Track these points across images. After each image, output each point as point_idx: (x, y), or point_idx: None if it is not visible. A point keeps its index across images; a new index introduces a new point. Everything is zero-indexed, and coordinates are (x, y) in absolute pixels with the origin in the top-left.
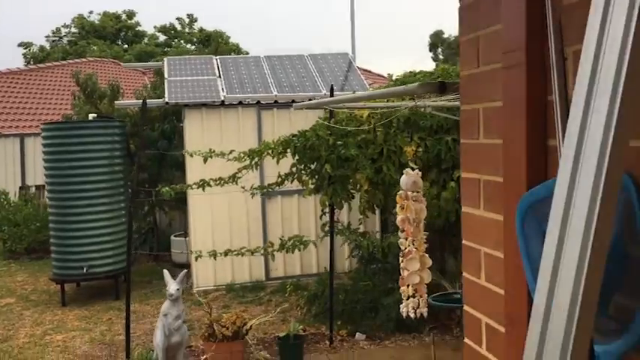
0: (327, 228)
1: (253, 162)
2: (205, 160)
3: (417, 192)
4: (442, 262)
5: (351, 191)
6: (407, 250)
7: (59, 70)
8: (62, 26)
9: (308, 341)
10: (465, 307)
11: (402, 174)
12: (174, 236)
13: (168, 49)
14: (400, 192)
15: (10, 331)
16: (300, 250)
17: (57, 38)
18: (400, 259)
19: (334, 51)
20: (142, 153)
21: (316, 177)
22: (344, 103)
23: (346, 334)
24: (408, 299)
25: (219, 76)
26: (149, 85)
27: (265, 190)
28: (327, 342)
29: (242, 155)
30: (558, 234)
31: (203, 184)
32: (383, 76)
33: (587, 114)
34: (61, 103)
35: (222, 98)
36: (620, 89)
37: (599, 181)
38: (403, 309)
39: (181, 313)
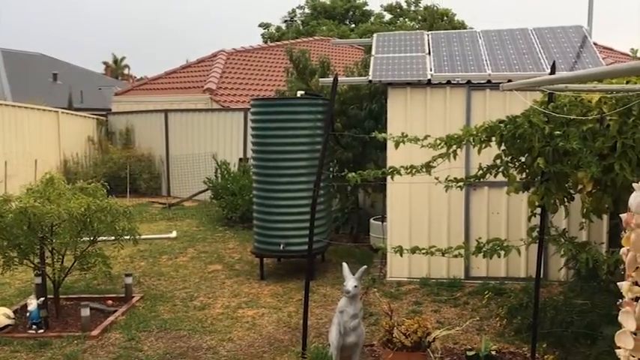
0: (535, 233)
1: (451, 150)
2: (397, 146)
3: None
4: None
5: (570, 192)
6: (625, 299)
7: (280, 50)
8: (297, 7)
9: None
10: None
11: None
12: (373, 219)
13: (393, 27)
14: (625, 214)
15: (210, 299)
16: (499, 257)
17: (290, 19)
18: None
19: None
20: (327, 133)
21: (525, 172)
22: (566, 84)
23: None
24: None
25: (429, 53)
26: (359, 63)
27: (463, 183)
28: None
29: (438, 142)
30: None
31: (392, 172)
32: (628, 55)
33: None
34: (280, 80)
35: (429, 77)
36: None
37: None
38: None
39: (359, 311)
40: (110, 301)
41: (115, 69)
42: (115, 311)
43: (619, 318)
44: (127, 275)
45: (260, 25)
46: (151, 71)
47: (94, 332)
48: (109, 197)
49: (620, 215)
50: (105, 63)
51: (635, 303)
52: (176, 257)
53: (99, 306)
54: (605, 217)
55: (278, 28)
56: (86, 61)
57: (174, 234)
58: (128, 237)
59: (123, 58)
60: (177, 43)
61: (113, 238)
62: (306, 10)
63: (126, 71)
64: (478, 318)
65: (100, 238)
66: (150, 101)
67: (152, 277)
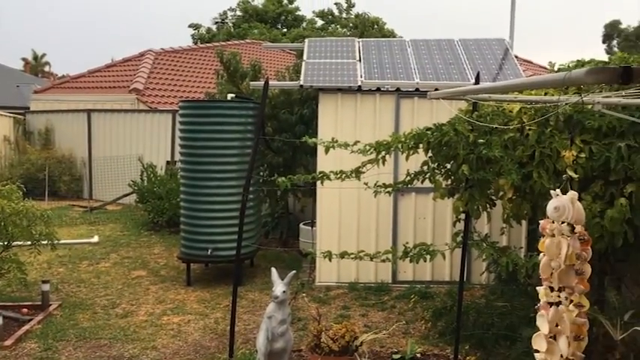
0: (459, 238)
1: (380, 156)
2: (327, 151)
3: (567, 224)
4: (601, 294)
5: (492, 198)
6: (542, 303)
7: (211, 52)
8: (228, 9)
9: None
10: None
11: (557, 183)
12: (303, 224)
13: (325, 33)
14: (543, 220)
15: (133, 306)
16: (425, 261)
17: (221, 21)
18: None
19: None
20: (258, 137)
21: (451, 178)
22: (489, 94)
23: None
24: None
25: (359, 60)
26: (290, 67)
27: (391, 188)
28: None
29: (368, 148)
30: None
31: (322, 177)
32: (545, 68)
33: None
34: (211, 82)
35: (359, 83)
36: None
37: None
38: None
39: (287, 317)
40: (25, 310)
41: (35, 66)
42: (31, 320)
43: (537, 322)
44: (44, 282)
45: (190, 26)
46: (74, 70)
47: (7, 342)
48: (26, 200)
49: (540, 221)
50: (24, 59)
51: (549, 307)
52: (97, 263)
53: (13, 314)
54: (523, 222)
55: (209, 30)
56: (3, 56)
57: (95, 239)
58: (45, 242)
59: (43, 55)
60: (102, 42)
61: (29, 243)
62: (238, 13)
63: (46, 69)
64: (404, 321)
65: (15, 243)
66: (72, 100)
67: (71, 283)
